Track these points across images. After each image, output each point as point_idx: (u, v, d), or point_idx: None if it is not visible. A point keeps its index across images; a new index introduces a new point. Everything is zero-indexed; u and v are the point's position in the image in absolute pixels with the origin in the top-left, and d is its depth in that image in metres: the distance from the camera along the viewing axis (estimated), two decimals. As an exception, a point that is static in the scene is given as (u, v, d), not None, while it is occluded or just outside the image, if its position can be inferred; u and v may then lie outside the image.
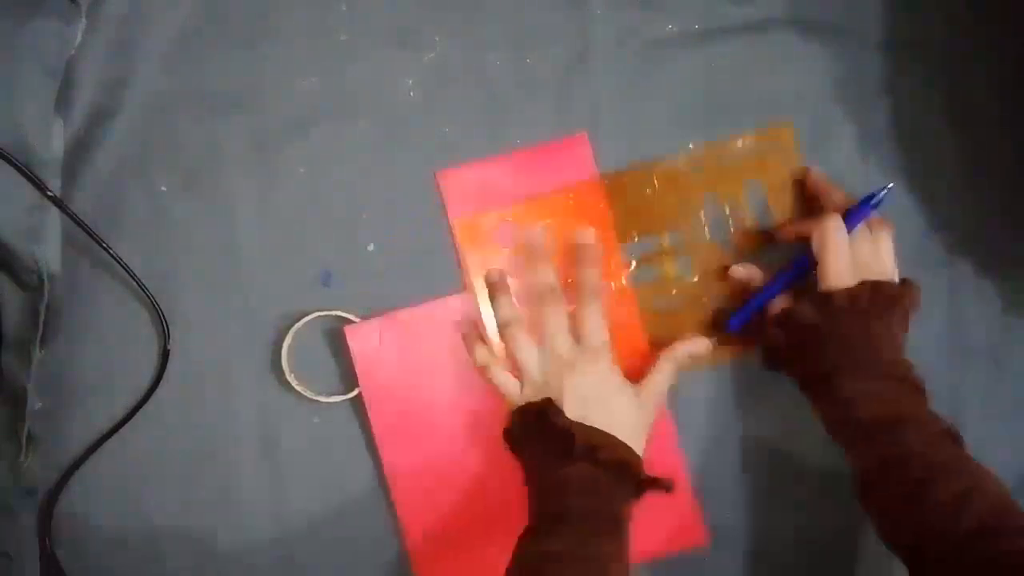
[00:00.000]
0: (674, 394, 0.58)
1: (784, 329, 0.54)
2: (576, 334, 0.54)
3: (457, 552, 0.57)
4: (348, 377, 0.57)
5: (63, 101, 0.56)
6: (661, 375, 0.55)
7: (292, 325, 0.57)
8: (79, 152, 0.57)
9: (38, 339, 0.52)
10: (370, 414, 0.57)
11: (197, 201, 0.58)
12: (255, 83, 0.58)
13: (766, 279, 0.57)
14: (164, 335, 0.56)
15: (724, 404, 0.60)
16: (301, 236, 0.58)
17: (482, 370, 0.56)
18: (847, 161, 0.60)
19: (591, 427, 0.51)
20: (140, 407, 0.56)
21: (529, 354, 0.54)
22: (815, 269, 0.54)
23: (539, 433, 0.52)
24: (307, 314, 0.57)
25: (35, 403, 0.54)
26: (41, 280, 0.52)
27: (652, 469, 0.52)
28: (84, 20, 0.56)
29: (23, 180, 0.52)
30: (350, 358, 0.57)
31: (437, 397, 0.57)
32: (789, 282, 0.56)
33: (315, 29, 0.59)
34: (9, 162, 0.51)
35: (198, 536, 0.57)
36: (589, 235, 0.58)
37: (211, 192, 0.58)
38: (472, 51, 0.59)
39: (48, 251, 0.53)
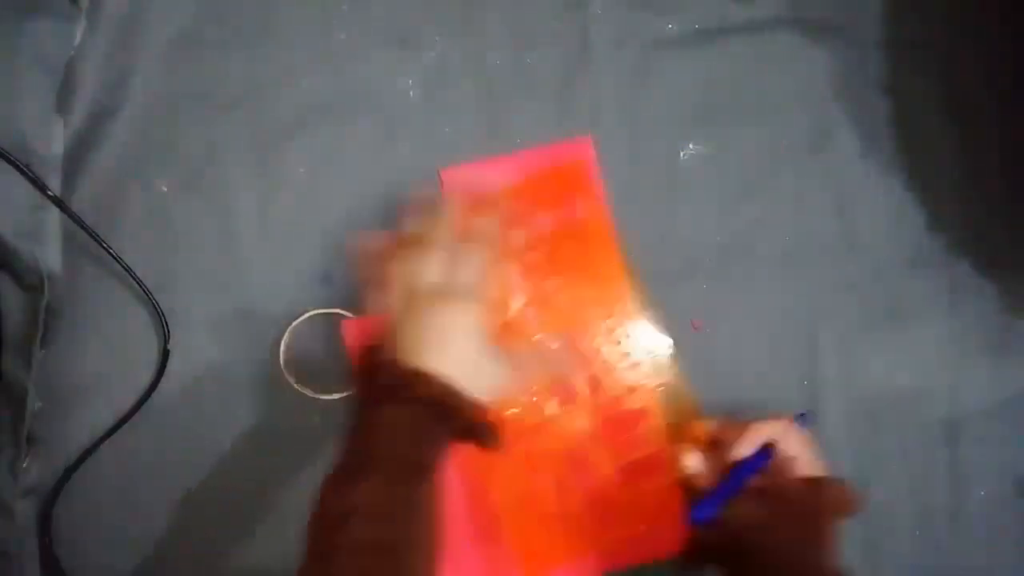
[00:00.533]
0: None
1: (763, 503, 0.50)
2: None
3: (451, 551, 0.57)
4: (346, 373, 0.57)
5: (63, 101, 0.56)
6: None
7: (291, 324, 0.57)
8: (79, 152, 0.57)
9: (38, 339, 0.52)
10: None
11: (197, 201, 0.58)
12: (255, 83, 0.58)
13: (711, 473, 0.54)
14: (164, 335, 0.56)
15: (716, 405, 0.60)
16: (301, 236, 0.58)
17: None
18: (847, 161, 0.60)
19: (417, 365, 0.47)
20: (140, 407, 0.56)
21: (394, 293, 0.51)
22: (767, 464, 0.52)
23: (370, 369, 0.48)
24: (299, 315, 0.57)
25: (35, 403, 0.54)
26: (41, 280, 0.52)
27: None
28: (84, 20, 0.56)
29: (23, 180, 0.52)
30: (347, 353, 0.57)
31: None
32: (750, 474, 0.52)
33: (315, 29, 0.59)
34: (9, 162, 0.51)
35: (198, 536, 0.57)
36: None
37: (211, 192, 0.58)
38: (472, 51, 0.59)
39: (48, 251, 0.54)
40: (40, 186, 0.52)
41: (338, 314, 0.57)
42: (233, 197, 0.58)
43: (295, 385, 0.56)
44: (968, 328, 0.60)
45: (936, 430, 0.60)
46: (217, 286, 0.57)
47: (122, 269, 0.55)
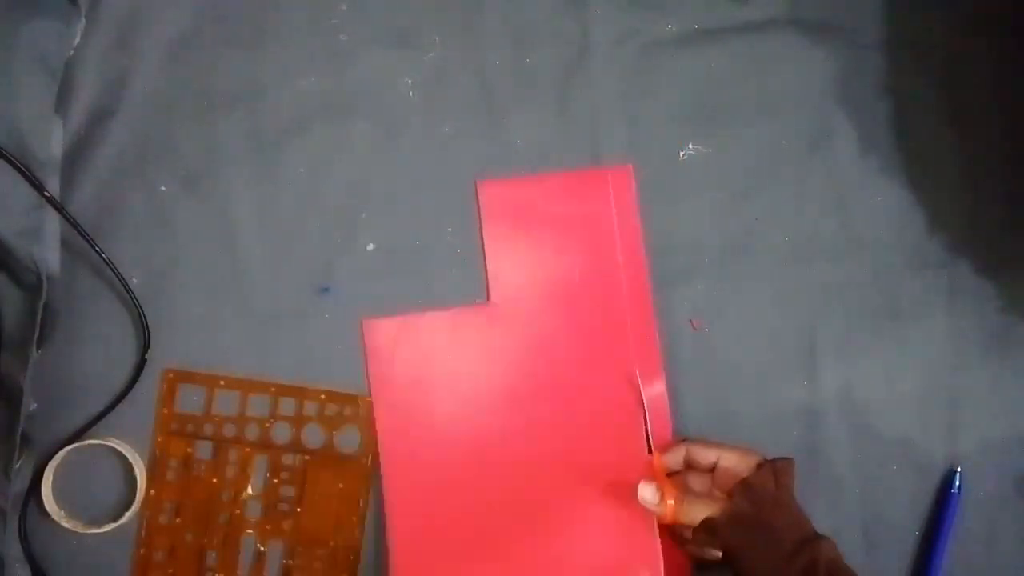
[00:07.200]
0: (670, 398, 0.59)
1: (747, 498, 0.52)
2: None
3: (443, 561, 0.57)
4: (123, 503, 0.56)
5: (62, 101, 0.56)
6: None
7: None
8: (78, 152, 0.57)
9: (35, 339, 0.52)
10: (375, 411, 0.57)
11: (197, 201, 0.57)
12: (255, 83, 0.58)
13: None
14: (145, 343, 0.56)
15: (716, 405, 0.60)
16: (301, 236, 0.58)
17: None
18: (847, 161, 0.60)
19: None
20: (105, 414, 0.56)
21: None
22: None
23: None
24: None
25: (30, 404, 0.54)
26: (40, 280, 0.52)
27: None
28: (83, 20, 0.56)
29: (22, 180, 0.52)
30: (359, 356, 0.57)
31: (443, 406, 0.57)
32: None
33: (315, 29, 0.59)
34: (9, 162, 0.51)
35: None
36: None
37: (211, 192, 0.58)
38: (472, 51, 0.59)
39: (47, 251, 0.53)
40: (37, 186, 0.52)
41: (107, 446, 0.56)
42: (233, 197, 0.58)
43: (55, 516, 0.55)
44: (968, 328, 0.60)
45: (936, 430, 0.60)
46: (216, 286, 0.57)
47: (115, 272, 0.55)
